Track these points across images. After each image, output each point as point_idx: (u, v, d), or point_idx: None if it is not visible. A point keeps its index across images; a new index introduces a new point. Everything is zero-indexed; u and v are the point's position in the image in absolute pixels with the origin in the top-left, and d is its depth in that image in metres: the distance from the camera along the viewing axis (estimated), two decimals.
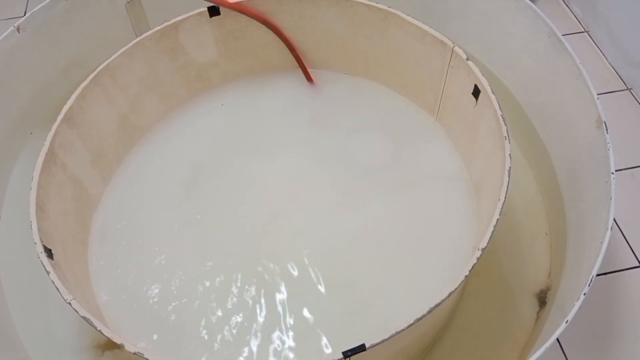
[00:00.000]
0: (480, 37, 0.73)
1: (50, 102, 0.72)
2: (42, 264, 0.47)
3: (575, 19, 0.94)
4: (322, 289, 0.56)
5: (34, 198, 0.51)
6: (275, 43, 0.71)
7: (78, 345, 0.59)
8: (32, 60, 0.69)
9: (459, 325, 0.58)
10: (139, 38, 0.63)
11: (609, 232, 0.47)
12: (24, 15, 0.67)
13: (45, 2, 0.67)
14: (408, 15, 0.62)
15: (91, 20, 0.72)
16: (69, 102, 0.58)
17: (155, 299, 0.57)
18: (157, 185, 0.65)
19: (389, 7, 0.63)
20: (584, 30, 0.93)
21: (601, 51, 0.89)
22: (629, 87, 0.84)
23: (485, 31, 0.72)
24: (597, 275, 0.64)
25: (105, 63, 0.61)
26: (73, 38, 0.72)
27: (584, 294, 0.44)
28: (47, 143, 0.55)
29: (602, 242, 0.47)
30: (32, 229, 0.49)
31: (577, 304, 0.44)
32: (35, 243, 0.49)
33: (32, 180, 0.52)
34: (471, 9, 0.73)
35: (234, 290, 0.57)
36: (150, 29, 0.64)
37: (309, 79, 0.74)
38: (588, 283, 0.45)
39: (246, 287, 0.57)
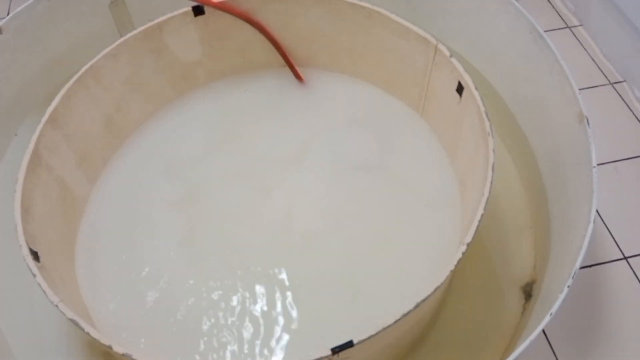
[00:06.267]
0: (464, 33, 0.73)
1: (34, 103, 0.71)
2: (28, 266, 0.47)
3: (559, 15, 0.95)
4: (307, 286, 0.56)
5: (18, 200, 0.51)
6: (262, 42, 0.71)
7: (66, 347, 0.59)
8: (15, 61, 0.68)
9: (446, 320, 0.59)
10: (123, 38, 0.63)
11: (591, 225, 0.48)
12: (7, 15, 0.66)
13: (27, 3, 0.66)
14: (392, 13, 0.62)
15: (74, 20, 0.71)
16: (53, 103, 0.57)
17: (144, 303, 0.56)
18: (143, 185, 0.65)
19: (372, 5, 0.63)
20: (566, 26, 0.94)
21: (589, 45, 0.90)
22: (613, 81, 0.85)
23: (468, 28, 0.72)
24: (582, 267, 0.66)
25: (89, 64, 0.60)
26: (56, 38, 0.71)
27: (568, 287, 0.45)
28: (31, 145, 0.54)
29: (584, 236, 0.47)
30: (17, 232, 0.49)
31: (561, 297, 0.44)
32: (20, 246, 0.48)
33: (17, 182, 0.52)
34: (455, 6, 0.73)
35: (224, 293, 0.57)
36: (134, 29, 0.63)
37: (297, 77, 0.74)
38: (571, 276, 0.45)
39: (237, 291, 0.57)
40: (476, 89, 0.55)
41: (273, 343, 0.53)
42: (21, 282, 0.60)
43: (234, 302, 0.56)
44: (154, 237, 0.61)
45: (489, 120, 0.53)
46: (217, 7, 0.65)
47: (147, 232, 0.61)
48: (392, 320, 0.41)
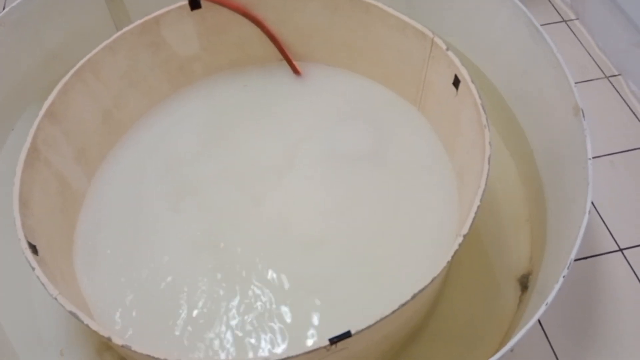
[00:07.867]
0: (461, 29, 0.73)
1: (32, 98, 0.71)
2: (27, 259, 0.47)
3: (555, 9, 0.96)
4: (307, 284, 0.57)
5: (17, 194, 0.51)
6: (259, 36, 0.71)
7: (66, 342, 0.59)
8: (12, 55, 0.68)
9: (443, 311, 0.59)
10: (120, 32, 0.63)
11: (586, 216, 0.48)
12: (4, 9, 0.66)
13: None
14: (389, 7, 0.62)
15: (71, 14, 0.71)
16: (51, 97, 0.57)
17: (143, 298, 0.57)
18: (142, 182, 0.65)
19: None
20: (562, 20, 0.94)
21: (585, 38, 0.91)
22: (609, 75, 0.86)
23: (466, 23, 0.73)
24: (578, 259, 0.67)
25: (87, 57, 0.60)
26: (53, 32, 0.71)
27: (563, 277, 0.45)
28: (29, 139, 0.54)
29: (580, 227, 0.48)
30: (16, 225, 0.49)
31: (557, 287, 0.45)
32: (19, 239, 0.48)
33: (15, 176, 0.52)
34: (453, 3, 0.73)
35: (223, 290, 0.57)
36: (131, 22, 0.63)
37: (295, 70, 0.74)
38: (567, 266, 0.46)
39: (236, 288, 0.57)
40: (472, 81, 0.55)
41: (273, 340, 0.54)
42: (21, 279, 0.61)
43: (233, 299, 0.56)
44: (153, 233, 0.61)
45: (485, 113, 0.53)
46: (213, 0, 0.65)
47: (145, 229, 0.61)
48: (389, 311, 0.42)
